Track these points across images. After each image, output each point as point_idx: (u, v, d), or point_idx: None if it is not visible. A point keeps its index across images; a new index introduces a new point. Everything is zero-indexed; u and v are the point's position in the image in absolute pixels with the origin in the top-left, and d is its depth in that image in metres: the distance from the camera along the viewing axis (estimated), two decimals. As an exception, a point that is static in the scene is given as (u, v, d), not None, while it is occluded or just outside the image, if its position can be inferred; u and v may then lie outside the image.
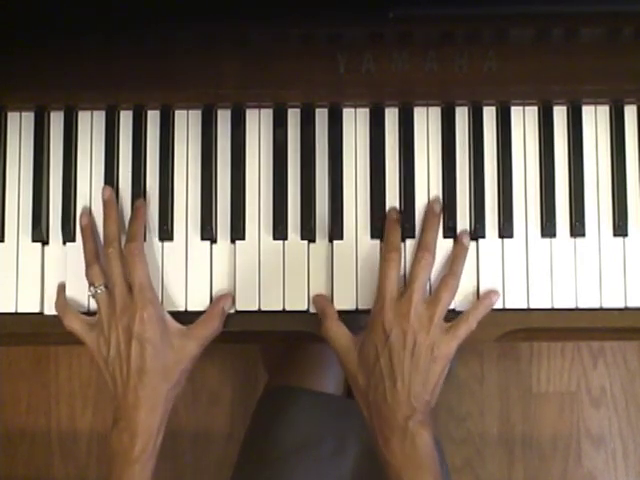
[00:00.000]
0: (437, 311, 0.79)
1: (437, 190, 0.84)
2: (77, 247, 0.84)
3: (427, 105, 0.85)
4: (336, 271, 0.84)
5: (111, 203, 0.84)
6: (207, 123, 0.86)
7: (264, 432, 1.02)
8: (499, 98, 0.85)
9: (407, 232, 0.84)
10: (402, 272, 0.83)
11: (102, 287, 0.81)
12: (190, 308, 0.84)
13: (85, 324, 0.82)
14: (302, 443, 0.98)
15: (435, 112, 0.85)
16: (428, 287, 0.82)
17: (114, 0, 0.82)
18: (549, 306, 0.83)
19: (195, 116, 0.86)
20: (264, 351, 1.35)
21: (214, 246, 0.85)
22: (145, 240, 0.84)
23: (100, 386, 1.63)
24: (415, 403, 0.77)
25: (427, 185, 0.85)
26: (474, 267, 0.84)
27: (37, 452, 1.65)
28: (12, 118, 0.87)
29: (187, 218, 0.85)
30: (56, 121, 0.86)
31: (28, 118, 0.87)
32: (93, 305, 0.83)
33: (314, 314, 0.83)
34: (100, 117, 0.86)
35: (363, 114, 0.86)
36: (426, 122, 0.85)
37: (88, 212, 0.85)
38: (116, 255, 0.81)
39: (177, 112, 0.86)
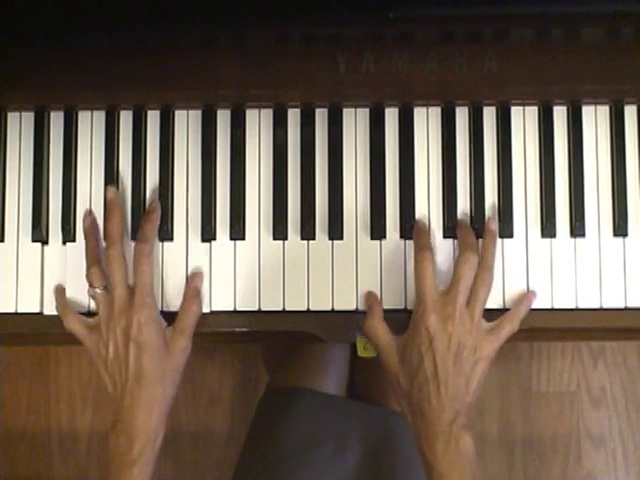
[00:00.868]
0: (476, 309, 0.79)
1: (437, 190, 0.84)
2: (77, 247, 0.84)
3: (427, 105, 0.85)
4: (336, 271, 0.84)
5: (115, 203, 0.84)
6: (207, 123, 0.86)
7: (265, 432, 1.02)
8: (499, 98, 0.85)
9: (407, 233, 0.84)
10: (403, 272, 0.83)
11: (101, 288, 0.81)
12: (190, 308, 0.84)
13: (85, 326, 0.82)
14: (303, 443, 0.98)
15: (435, 112, 0.85)
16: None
17: (114, 0, 0.82)
18: (549, 306, 0.83)
19: (195, 116, 0.86)
20: (264, 351, 1.35)
21: (214, 246, 0.85)
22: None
23: (100, 386, 1.62)
24: (458, 406, 0.76)
25: (427, 185, 0.85)
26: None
27: (37, 452, 1.65)
28: (12, 118, 0.87)
29: (187, 218, 0.85)
30: (56, 121, 0.86)
31: (28, 118, 0.87)
32: (93, 305, 0.83)
33: (314, 314, 0.83)
34: (100, 117, 0.86)
35: (363, 114, 0.86)
36: (426, 122, 0.85)
37: (90, 213, 0.85)
38: (117, 257, 0.81)
39: (177, 112, 0.86)
